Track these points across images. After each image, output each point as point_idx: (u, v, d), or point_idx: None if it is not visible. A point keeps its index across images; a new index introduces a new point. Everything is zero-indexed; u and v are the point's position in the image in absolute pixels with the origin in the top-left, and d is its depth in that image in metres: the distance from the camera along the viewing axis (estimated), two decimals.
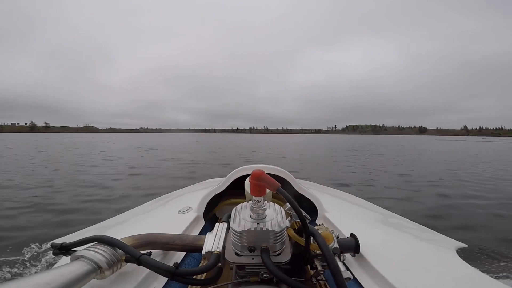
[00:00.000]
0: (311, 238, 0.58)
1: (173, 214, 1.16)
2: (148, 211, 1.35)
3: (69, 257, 0.57)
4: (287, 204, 0.59)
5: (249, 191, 0.58)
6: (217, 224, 0.70)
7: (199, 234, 0.97)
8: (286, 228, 0.59)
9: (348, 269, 0.70)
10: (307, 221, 0.58)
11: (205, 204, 1.15)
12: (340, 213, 1.17)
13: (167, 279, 0.64)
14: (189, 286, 0.73)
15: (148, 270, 0.62)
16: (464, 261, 0.76)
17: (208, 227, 1.06)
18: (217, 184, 1.24)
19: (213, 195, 1.18)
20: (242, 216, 0.60)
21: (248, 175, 1.15)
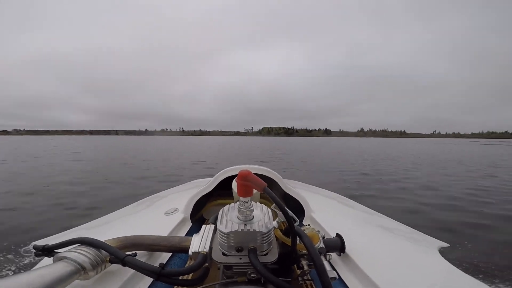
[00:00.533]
0: (298, 238, 0.59)
1: (159, 216, 1.14)
2: (133, 213, 1.33)
3: (52, 258, 0.56)
4: (274, 203, 0.59)
5: (236, 192, 0.58)
6: (204, 226, 0.70)
7: (185, 235, 0.97)
8: (273, 229, 0.60)
9: (333, 268, 0.72)
10: (295, 222, 0.58)
11: (192, 205, 1.14)
12: (326, 213, 1.18)
13: (152, 279, 0.64)
14: (175, 286, 0.73)
15: (133, 271, 0.61)
16: (446, 260, 0.79)
17: (195, 229, 1.05)
18: (204, 185, 1.23)
19: (199, 196, 1.18)
20: (229, 217, 0.60)
21: (236, 175, 1.15)
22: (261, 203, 0.68)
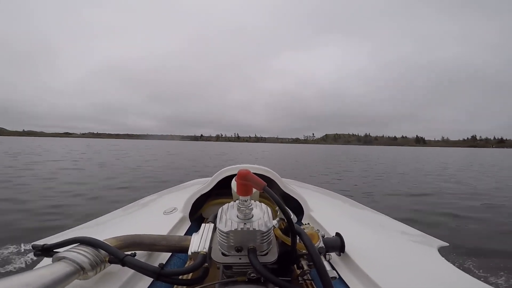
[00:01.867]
0: (298, 237, 0.58)
1: (158, 215, 1.14)
2: (132, 212, 1.32)
3: (51, 258, 0.56)
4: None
5: (236, 191, 0.58)
6: (203, 225, 0.69)
7: (185, 234, 0.96)
8: (273, 228, 0.60)
9: (333, 268, 0.71)
10: (294, 221, 0.58)
11: (191, 205, 1.14)
12: (325, 212, 1.18)
13: (152, 279, 0.63)
14: (175, 286, 0.72)
15: (133, 271, 0.61)
16: (445, 260, 0.79)
17: (194, 228, 1.05)
18: (203, 184, 1.23)
19: (198, 195, 1.17)
20: (228, 216, 0.59)
21: (235, 174, 1.15)
22: (261, 202, 0.68)
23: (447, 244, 0.96)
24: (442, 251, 0.87)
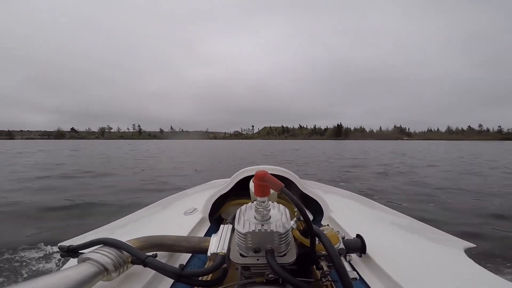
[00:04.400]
0: (316, 239, 0.58)
1: (178, 216, 1.16)
2: (153, 213, 1.36)
3: (76, 259, 0.58)
4: None
5: (253, 192, 0.58)
6: (222, 226, 0.70)
7: (204, 235, 0.98)
8: (291, 229, 0.59)
9: (354, 269, 0.70)
10: (313, 222, 0.58)
11: (210, 205, 1.15)
12: (346, 213, 1.16)
13: (173, 280, 0.65)
14: (195, 287, 0.74)
15: (154, 272, 0.63)
16: (472, 261, 0.75)
17: (213, 228, 1.06)
18: (222, 185, 1.24)
19: (217, 196, 1.19)
20: (246, 217, 0.60)
21: (253, 175, 1.16)
22: (279, 203, 0.68)
23: (474, 245, 0.91)
24: (468, 252, 0.83)
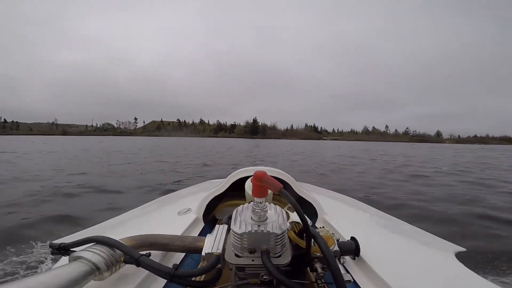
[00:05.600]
0: (312, 240, 0.58)
1: (172, 215, 1.15)
2: (147, 212, 1.35)
3: (68, 257, 0.57)
4: (288, 205, 0.59)
5: (250, 193, 0.58)
6: (217, 226, 0.70)
7: (198, 235, 0.97)
8: (287, 231, 0.59)
9: (347, 271, 0.71)
10: (309, 224, 0.58)
11: (205, 206, 1.15)
12: (340, 216, 1.17)
13: (166, 280, 0.64)
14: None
15: (147, 272, 0.62)
16: (463, 265, 0.76)
17: (207, 229, 1.06)
18: (217, 185, 1.24)
19: (212, 196, 1.18)
20: (243, 217, 0.59)
21: (249, 176, 1.16)
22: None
23: (464, 249, 0.93)
24: (458, 256, 0.84)
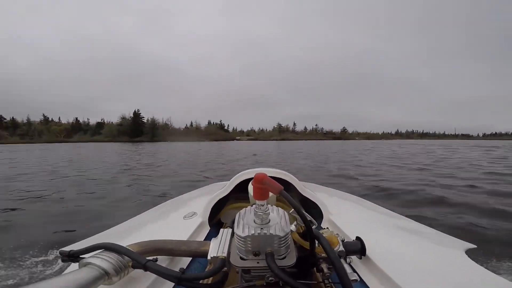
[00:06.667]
0: (316, 241, 0.58)
1: (178, 220, 1.16)
2: (153, 218, 1.36)
3: (77, 264, 0.58)
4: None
5: (252, 195, 0.59)
6: (221, 230, 0.70)
7: (204, 239, 0.98)
8: (290, 232, 0.60)
9: (354, 271, 0.70)
10: (313, 226, 0.58)
11: (210, 209, 1.15)
12: (345, 215, 1.16)
13: (173, 284, 0.65)
14: None
15: (155, 276, 0.63)
16: (474, 262, 0.75)
17: (213, 232, 1.06)
18: (221, 189, 1.24)
19: (216, 200, 1.19)
20: (245, 221, 0.60)
21: (252, 178, 1.16)
22: (277, 206, 0.68)
23: (475, 246, 0.91)
24: (468, 253, 0.83)
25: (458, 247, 0.88)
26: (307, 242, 0.61)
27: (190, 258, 0.81)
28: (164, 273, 0.57)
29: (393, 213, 1.43)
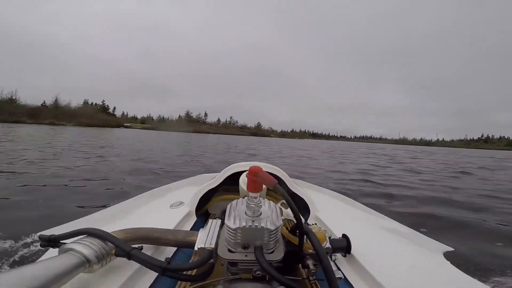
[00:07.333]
0: (305, 237, 0.58)
1: (164, 209, 1.15)
2: (138, 205, 1.33)
3: (57, 249, 0.56)
4: (281, 201, 0.59)
5: (244, 188, 0.58)
6: (210, 220, 0.69)
7: (190, 229, 0.97)
8: (280, 226, 0.60)
9: (339, 268, 0.71)
10: (302, 221, 0.58)
11: (198, 199, 1.14)
12: (332, 213, 1.18)
13: (157, 274, 0.64)
14: (179, 282, 0.73)
15: (138, 265, 0.61)
16: (450, 264, 0.78)
17: (199, 223, 1.06)
18: (211, 179, 1.23)
19: (206, 190, 1.18)
20: (237, 212, 0.59)
21: (243, 171, 1.16)
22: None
23: (452, 249, 0.95)
24: (446, 255, 0.86)
25: (437, 249, 0.92)
26: (295, 237, 0.61)
27: (175, 248, 0.80)
28: (149, 263, 0.56)
29: (376, 212, 1.46)
